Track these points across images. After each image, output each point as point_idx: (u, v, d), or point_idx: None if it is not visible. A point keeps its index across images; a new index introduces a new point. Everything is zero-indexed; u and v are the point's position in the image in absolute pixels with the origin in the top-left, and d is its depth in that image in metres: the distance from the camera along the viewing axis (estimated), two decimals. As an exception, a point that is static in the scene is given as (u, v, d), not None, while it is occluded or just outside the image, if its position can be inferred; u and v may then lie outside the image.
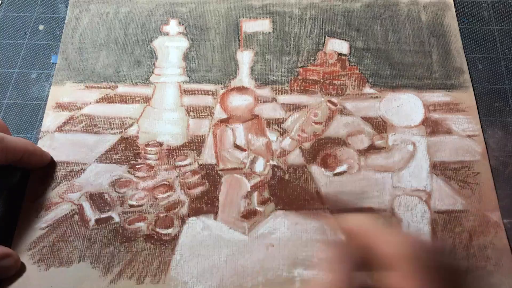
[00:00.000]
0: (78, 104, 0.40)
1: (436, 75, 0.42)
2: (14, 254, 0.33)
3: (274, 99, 0.41)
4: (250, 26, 0.44)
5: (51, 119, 0.39)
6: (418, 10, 0.45)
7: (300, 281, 0.33)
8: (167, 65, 0.42)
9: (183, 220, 0.35)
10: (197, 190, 0.37)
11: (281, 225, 0.35)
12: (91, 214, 0.36)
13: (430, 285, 0.27)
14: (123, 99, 0.41)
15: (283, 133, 0.39)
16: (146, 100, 0.41)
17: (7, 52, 0.43)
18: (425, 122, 0.40)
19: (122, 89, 0.41)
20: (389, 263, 0.27)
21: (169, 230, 0.35)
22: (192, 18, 0.45)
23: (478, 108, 0.40)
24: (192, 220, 0.35)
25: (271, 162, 0.38)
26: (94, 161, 0.38)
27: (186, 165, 0.38)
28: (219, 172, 0.37)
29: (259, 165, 0.38)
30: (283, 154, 0.38)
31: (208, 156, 0.38)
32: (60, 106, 0.40)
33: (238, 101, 0.41)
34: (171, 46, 0.43)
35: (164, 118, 0.40)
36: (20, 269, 0.33)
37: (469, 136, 0.39)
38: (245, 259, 0.34)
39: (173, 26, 0.44)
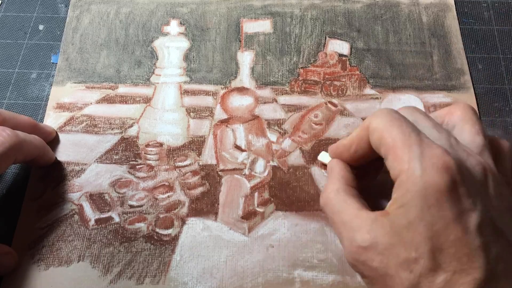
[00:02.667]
0: (78, 105, 0.40)
1: (437, 76, 0.42)
2: (12, 252, 0.33)
3: (274, 100, 0.41)
4: (250, 26, 0.44)
5: (51, 119, 0.39)
6: (419, 11, 0.45)
7: (300, 282, 0.33)
8: (167, 65, 0.42)
9: (183, 221, 0.35)
10: (197, 191, 0.37)
11: (281, 226, 0.35)
12: (91, 214, 0.35)
13: None
14: (124, 100, 0.41)
15: (283, 134, 0.39)
16: (147, 100, 0.41)
17: (7, 52, 0.43)
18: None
19: (122, 89, 0.41)
20: None
21: (169, 231, 0.35)
22: (192, 18, 0.45)
23: (478, 108, 0.40)
24: (192, 220, 0.35)
25: (271, 163, 0.38)
26: (94, 161, 0.38)
27: (186, 165, 0.38)
28: (219, 172, 0.37)
29: (259, 166, 0.38)
30: (284, 155, 0.38)
31: (208, 157, 0.38)
32: (61, 107, 0.40)
33: (239, 102, 0.41)
34: (172, 46, 0.43)
35: (164, 118, 0.40)
36: (19, 269, 0.33)
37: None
38: (245, 260, 0.34)
39: (173, 27, 0.44)
